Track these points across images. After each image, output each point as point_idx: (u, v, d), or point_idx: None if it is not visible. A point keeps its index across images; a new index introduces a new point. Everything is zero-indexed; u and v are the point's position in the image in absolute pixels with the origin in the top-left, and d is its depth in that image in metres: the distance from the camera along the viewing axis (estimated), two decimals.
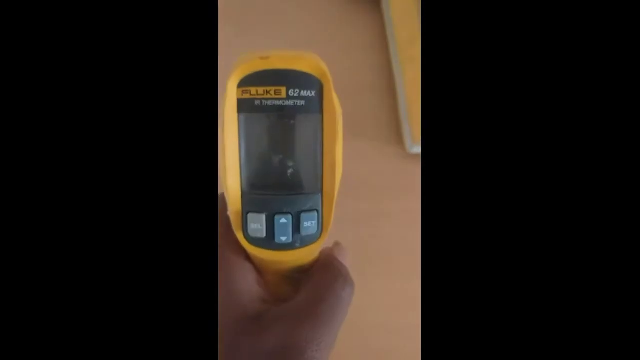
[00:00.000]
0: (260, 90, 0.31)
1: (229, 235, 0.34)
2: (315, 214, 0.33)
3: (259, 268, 0.35)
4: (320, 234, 0.34)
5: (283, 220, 0.33)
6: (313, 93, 0.31)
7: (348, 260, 0.36)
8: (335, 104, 0.32)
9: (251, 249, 0.34)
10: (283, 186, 0.33)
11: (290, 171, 0.33)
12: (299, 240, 0.34)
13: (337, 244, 0.37)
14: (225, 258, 0.34)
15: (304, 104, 0.31)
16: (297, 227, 0.33)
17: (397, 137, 0.69)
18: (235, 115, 0.32)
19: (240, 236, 0.34)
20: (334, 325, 0.32)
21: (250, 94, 0.31)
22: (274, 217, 0.33)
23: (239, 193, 0.33)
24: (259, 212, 0.33)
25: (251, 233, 0.33)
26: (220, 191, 0.34)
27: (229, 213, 0.33)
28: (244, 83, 0.31)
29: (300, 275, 0.36)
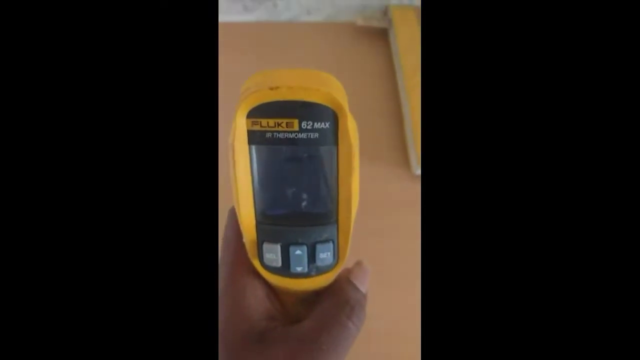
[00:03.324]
0: (271, 122, 0.27)
1: (241, 253, 0.31)
2: (331, 244, 0.30)
3: (272, 286, 0.32)
4: (337, 262, 0.31)
5: (298, 252, 0.30)
6: (327, 125, 0.27)
7: (366, 282, 0.32)
8: (350, 135, 0.28)
9: (267, 276, 0.31)
10: (297, 217, 0.30)
11: (304, 203, 0.30)
12: (315, 269, 0.31)
13: (358, 264, 0.33)
14: (237, 275, 0.31)
15: (317, 136, 0.28)
16: (312, 257, 0.30)
17: (404, 159, 0.67)
18: (246, 145, 0.28)
19: (256, 263, 0.31)
20: (337, 355, 0.29)
21: (261, 126, 0.27)
22: (289, 247, 0.30)
23: (253, 222, 0.30)
24: (274, 242, 0.30)
25: (267, 262, 0.30)
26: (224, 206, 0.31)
27: (244, 240, 0.30)
28: (254, 114, 0.27)
29: (315, 297, 0.32)
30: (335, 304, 0.30)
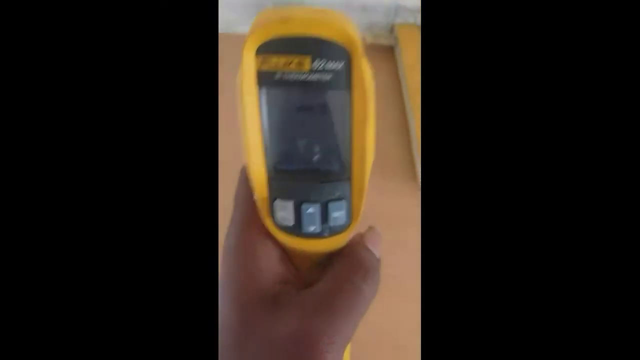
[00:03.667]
0: (282, 60, 0.25)
1: (252, 213, 0.29)
2: (344, 203, 0.28)
3: (285, 249, 0.30)
4: (350, 222, 0.29)
5: (310, 210, 0.28)
6: (341, 65, 0.25)
7: (379, 247, 0.30)
8: (365, 79, 0.26)
9: (279, 236, 0.29)
10: (309, 172, 0.28)
11: (316, 157, 0.28)
12: (328, 229, 0.28)
13: (370, 229, 0.31)
14: (249, 235, 0.29)
15: (330, 78, 0.26)
16: (325, 216, 0.28)
17: (412, 174, 0.66)
18: (255, 88, 0.26)
19: (268, 222, 0.28)
20: (351, 319, 0.27)
21: (270, 66, 0.25)
22: (301, 205, 0.28)
23: (265, 177, 0.28)
24: (286, 199, 0.28)
25: (279, 220, 0.28)
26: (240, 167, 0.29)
27: (255, 198, 0.28)
28: (263, 50, 0.25)
29: (329, 262, 0.30)
30: (349, 266, 0.28)
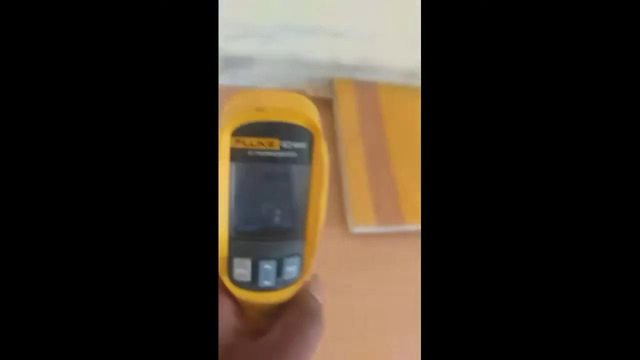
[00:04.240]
0: (255, 141, 0.29)
1: None
2: (298, 259, 0.32)
3: (238, 301, 0.33)
4: (301, 275, 0.32)
5: (267, 266, 0.31)
6: (304, 145, 0.30)
7: (322, 294, 0.34)
8: (323, 155, 0.30)
9: (236, 291, 0.31)
10: (269, 233, 0.31)
11: (277, 219, 0.31)
12: (282, 283, 0.32)
13: (314, 277, 0.34)
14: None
15: (295, 155, 0.30)
16: (280, 271, 0.31)
17: (344, 219, 0.70)
18: (227, 162, 0.29)
19: (225, 279, 0.31)
20: None
21: (244, 144, 0.29)
22: (258, 262, 0.31)
23: (226, 238, 0.31)
24: (245, 257, 0.31)
25: (236, 277, 0.31)
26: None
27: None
28: (239, 132, 0.29)
29: (279, 310, 0.33)
30: (297, 315, 0.31)
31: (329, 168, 0.31)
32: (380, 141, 0.75)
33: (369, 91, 0.77)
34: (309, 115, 0.30)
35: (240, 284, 0.31)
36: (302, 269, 0.32)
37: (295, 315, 0.31)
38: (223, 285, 0.31)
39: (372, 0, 0.68)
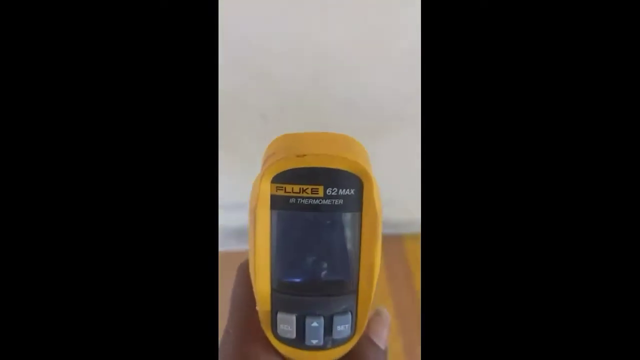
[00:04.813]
0: (296, 188, 0.26)
1: (252, 321, 0.28)
2: (349, 316, 0.28)
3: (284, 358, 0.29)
4: (354, 334, 0.28)
5: (314, 324, 0.27)
6: (352, 191, 0.26)
7: (386, 335, 0.29)
8: (375, 201, 0.27)
9: (281, 348, 0.28)
10: (315, 286, 0.28)
11: (324, 272, 0.28)
12: (331, 342, 0.28)
13: (376, 314, 0.30)
14: (248, 346, 0.28)
15: (342, 202, 0.26)
16: (329, 329, 0.28)
17: None
18: (268, 211, 0.27)
19: (268, 334, 0.28)
20: None
21: (285, 192, 0.26)
22: (304, 319, 0.27)
23: (269, 290, 0.28)
24: (289, 312, 0.28)
25: (280, 333, 0.28)
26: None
27: (257, 308, 0.28)
28: (279, 179, 0.26)
29: None
30: None
31: (382, 215, 0.27)
32: (411, 297, 0.72)
33: (394, 245, 0.77)
34: (355, 159, 0.26)
35: (285, 341, 0.28)
36: (355, 326, 0.28)
37: None
38: (267, 339, 0.28)
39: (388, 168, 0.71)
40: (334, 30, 0.64)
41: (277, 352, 0.28)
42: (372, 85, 0.70)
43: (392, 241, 0.74)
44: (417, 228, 0.77)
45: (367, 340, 0.29)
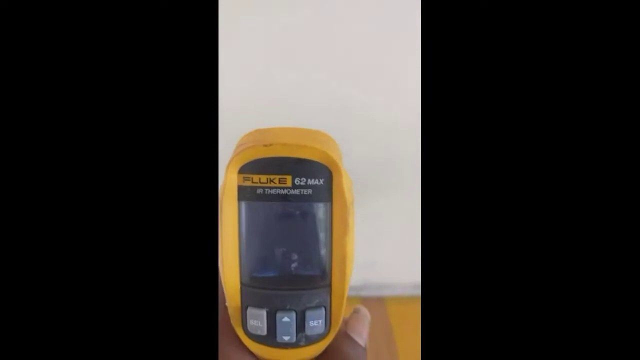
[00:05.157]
0: (264, 178, 0.25)
1: (226, 324, 0.27)
2: (323, 311, 0.27)
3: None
4: (328, 331, 0.27)
5: (285, 319, 0.26)
6: (321, 181, 0.26)
7: (366, 332, 0.28)
8: (345, 191, 0.26)
9: (252, 346, 0.27)
10: (286, 280, 0.27)
11: (294, 265, 0.27)
12: (304, 339, 0.26)
13: (355, 312, 0.29)
14: (223, 346, 0.26)
15: (311, 192, 0.26)
16: (301, 325, 0.26)
17: None
18: (235, 202, 0.26)
19: (239, 331, 0.26)
20: None
21: (252, 182, 0.25)
22: (275, 314, 0.26)
23: (238, 285, 0.27)
24: (259, 307, 0.26)
25: (251, 329, 0.26)
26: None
27: (226, 304, 0.26)
28: (246, 170, 0.26)
29: None
30: None
31: (353, 206, 0.27)
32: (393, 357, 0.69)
33: (376, 307, 0.74)
34: (323, 149, 0.26)
35: (255, 338, 0.27)
36: (329, 322, 0.27)
37: None
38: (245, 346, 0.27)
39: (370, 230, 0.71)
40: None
41: (250, 352, 0.27)
42: (348, 153, 0.71)
43: (374, 303, 0.72)
44: (400, 291, 0.76)
45: (346, 338, 0.28)
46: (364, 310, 0.29)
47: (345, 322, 0.28)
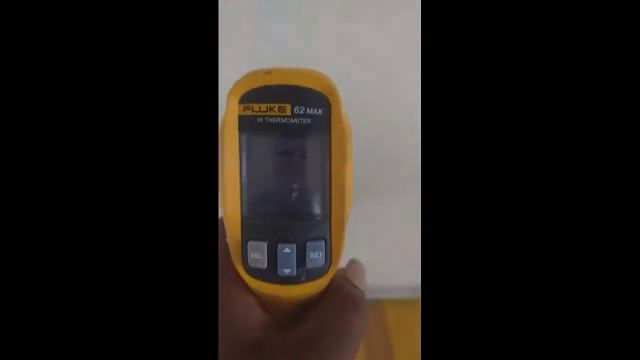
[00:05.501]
0: (263, 106, 0.25)
1: (227, 263, 0.27)
2: (323, 243, 0.26)
3: (259, 297, 0.27)
4: (329, 266, 0.26)
5: (287, 250, 0.26)
6: (320, 111, 0.26)
7: (364, 281, 0.27)
8: (344, 123, 0.26)
9: (251, 282, 0.26)
10: (287, 211, 0.27)
11: (294, 195, 0.27)
12: (305, 273, 0.26)
13: (352, 262, 0.28)
14: (224, 285, 0.26)
15: (310, 122, 0.26)
16: (302, 258, 0.26)
17: None
18: (236, 133, 0.26)
19: (239, 267, 0.26)
20: (345, 357, 0.24)
21: (253, 111, 0.25)
22: (276, 246, 0.26)
23: (239, 218, 0.26)
24: (260, 239, 0.26)
25: (251, 263, 0.26)
26: (220, 215, 0.27)
27: (227, 240, 0.26)
28: (246, 99, 0.26)
29: (306, 313, 0.26)
30: (337, 302, 0.26)
31: (351, 138, 0.27)
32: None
33: (374, 310, 0.73)
34: (323, 77, 0.26)
35: (255, 272, 0.26)
36: (329, 256, 0.26)
37: (334, 303, 0.26)
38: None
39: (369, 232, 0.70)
40: None
41: (251, 291, 0.27)
42: None
43: (372, 306, 0.71)
44: (398, 294, 0.75)
45: (345, 279, 0.28)
46: (360, 262, 0.29)
47: (344, 270, 0.28)
